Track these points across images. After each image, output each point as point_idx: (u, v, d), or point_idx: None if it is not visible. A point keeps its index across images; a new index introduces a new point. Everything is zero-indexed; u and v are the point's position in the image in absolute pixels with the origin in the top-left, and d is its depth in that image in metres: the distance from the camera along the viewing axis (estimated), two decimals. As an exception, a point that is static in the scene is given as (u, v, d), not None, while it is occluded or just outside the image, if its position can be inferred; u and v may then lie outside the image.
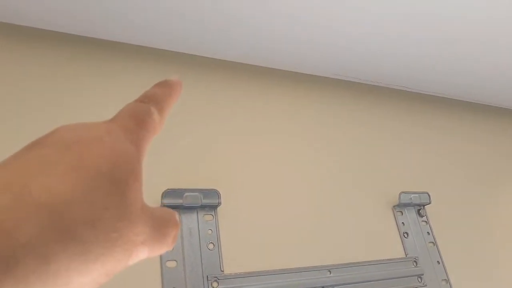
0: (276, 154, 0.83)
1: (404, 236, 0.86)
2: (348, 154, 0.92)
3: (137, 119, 0.21)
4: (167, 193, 0.64)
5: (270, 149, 0.83)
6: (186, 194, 0.66)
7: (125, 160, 0.18)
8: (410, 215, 0.90)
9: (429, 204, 0.91)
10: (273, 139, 0.84)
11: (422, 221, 0.91)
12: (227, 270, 0.65)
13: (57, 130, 0.18)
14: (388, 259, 0.81)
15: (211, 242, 0.67)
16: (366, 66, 1.00)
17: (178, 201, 0.65)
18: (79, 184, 0.16)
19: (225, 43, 0.84)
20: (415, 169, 1.00)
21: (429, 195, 0.91)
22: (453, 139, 1.14)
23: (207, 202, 0.67)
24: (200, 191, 0.67)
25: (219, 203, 0.68)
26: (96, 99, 0.71)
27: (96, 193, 0.16)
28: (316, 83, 1.00)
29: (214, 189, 0.68)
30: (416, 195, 0.90)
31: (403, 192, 0.88)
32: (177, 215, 0.22)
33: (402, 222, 0.88)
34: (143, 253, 0.19)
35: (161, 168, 0.69)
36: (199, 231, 0.67)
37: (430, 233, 0.90)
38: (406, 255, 0.84)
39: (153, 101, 0.22)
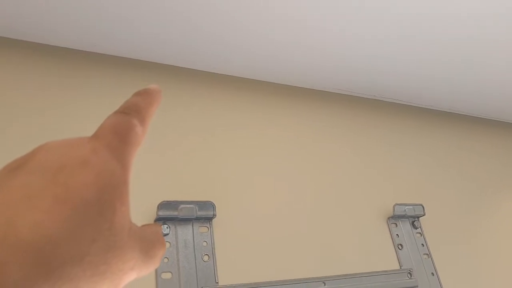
0: (271, 166, 0.84)
1: (398, 248, 0.87)
2: (343, 165, 0.93)
3: (121, 134, 0.20)
4: (162, 205, 0.65)
5: (265, 162, 0.84)
6: (182, 206, 0.67)
7: (112, 185, 0.18)
8: (404, 227, 0.91)
9: (423, 216, 0.91)
10: (268, 151, 0.85)
11: (417, 233, 0.91)
12: (222, 282, 0.66)
13: (39, 151, 0.18)
14: (382, 271, 0.81)
15: (206, 254, 0.67)
16: (361, 79, 1.01)
17: (174, 213, 0.66)
18: (65, 219, 0.15)
19: (228, 57, 0.86)
20: (409, 181, 1.01)
21: (423, 207, 0.92)
22: (447, 151, 1.16)
23: (202, 214, 0.68)
24: (196, 203, 0.68)
25: (214, 215, 0.69)
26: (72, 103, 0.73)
27: (83, 227, 0.16)
28: (312, 96, 1.01)
29: (210, 201, 0.69)
30: (411, 207, 0.90)
31: (397, 204, 0.88)
32: (162, 232, 0.22)
33: (397, 234, 0.89)
34: (132, 277, 0.19)
35: (157, 180, 0.70)
36: (194, 243, 0.67)
37: (425, 245, 0.90)
38: (400, 267, 0.85)
39: (135, 111, 0.22)
